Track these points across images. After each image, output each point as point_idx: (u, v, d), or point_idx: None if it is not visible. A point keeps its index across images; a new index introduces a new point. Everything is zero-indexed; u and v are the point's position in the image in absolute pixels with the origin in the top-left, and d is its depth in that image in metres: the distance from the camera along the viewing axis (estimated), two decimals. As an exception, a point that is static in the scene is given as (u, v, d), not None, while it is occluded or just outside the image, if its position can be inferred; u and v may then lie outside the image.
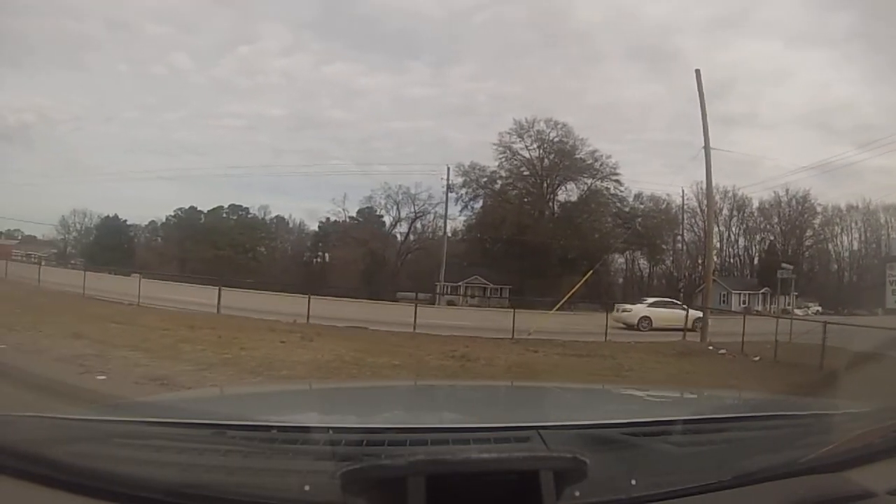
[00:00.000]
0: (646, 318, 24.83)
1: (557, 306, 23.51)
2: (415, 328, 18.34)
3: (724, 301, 43.71)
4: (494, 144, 51.65)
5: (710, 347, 17.94)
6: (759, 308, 44.96)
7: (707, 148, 22.59)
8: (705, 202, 50.48)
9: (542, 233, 47.60)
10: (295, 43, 79.00)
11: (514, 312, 20.12)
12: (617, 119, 76.25)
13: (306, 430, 1.61)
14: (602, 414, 2.20)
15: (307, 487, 1.26)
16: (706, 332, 20.53)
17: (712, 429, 1.77)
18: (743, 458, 1.51)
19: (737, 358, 15.81)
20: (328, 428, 1.58)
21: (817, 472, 1.45)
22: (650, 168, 77.30)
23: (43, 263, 39.62)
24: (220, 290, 21.28)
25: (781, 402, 2.97)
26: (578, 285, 26.21)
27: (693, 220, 53.04)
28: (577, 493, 1.26)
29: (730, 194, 52.21)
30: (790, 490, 1.39)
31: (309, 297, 19.95)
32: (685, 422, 1.79)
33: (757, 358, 15.06)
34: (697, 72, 23.01)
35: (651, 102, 71.74)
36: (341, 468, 1.23)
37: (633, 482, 1.33)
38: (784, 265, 45.12)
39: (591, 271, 27.80)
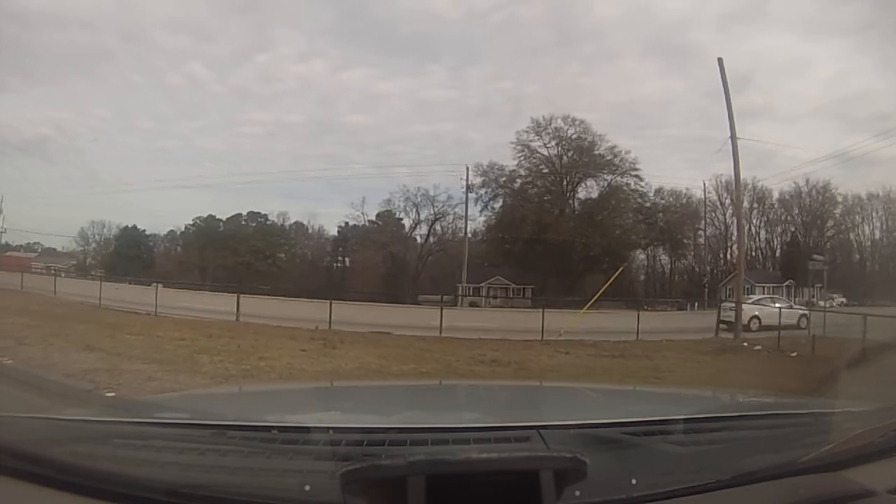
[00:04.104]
0: (755, 317, 23.80)
1: (588, 306, 23.24)
2: (441, 332, 17.98)
3: (748, 295, 42.34)
4: (512, 143, 51.05)
5: (745, 344, 17.51)
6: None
7: (733, 137, 22.37)
8: (725, 196, 50.39)
9: (563, 231, 46.90)
10: (312, 49, 78.72)
11: (544, 313, 19.72)
12: (635, 115, 75.36)
13: (306, 430, 1.61)
14: (602, 414, 2.12)
15: (307, 487, 1.27)
16: (739, 328, 20.17)
17: (712, 428, 1.76)
18: (743, 457, 1.50)
19: (773, 354, 15.42)
20: (328, 428, 1.58)
21: (817, 472, 1.45)
22: (668, 164, 76.49)
23: (62, 275, 39.89)
24: (238, 297, 21.01)
25: (781, 402, 2.90)
26: (608, 283, 25.72)
27: (713, 215, 52.74)
28: (578, 493, 1.26)
29: (750, 186, 50.68)
30: (790, 489, 1.39)
31: (330, 303, 19.74)
32: (685, 421, 1.77)
33: (794, 354, 14.67)
34: (720, 60, 22.78)
35: (668, 98, 71.60)
36: (341, 468, 1.23)
37: (633, 482, 1.32)
38: (816, 256, 44.21)
39: (620, 269, 27.17)
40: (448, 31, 72.66)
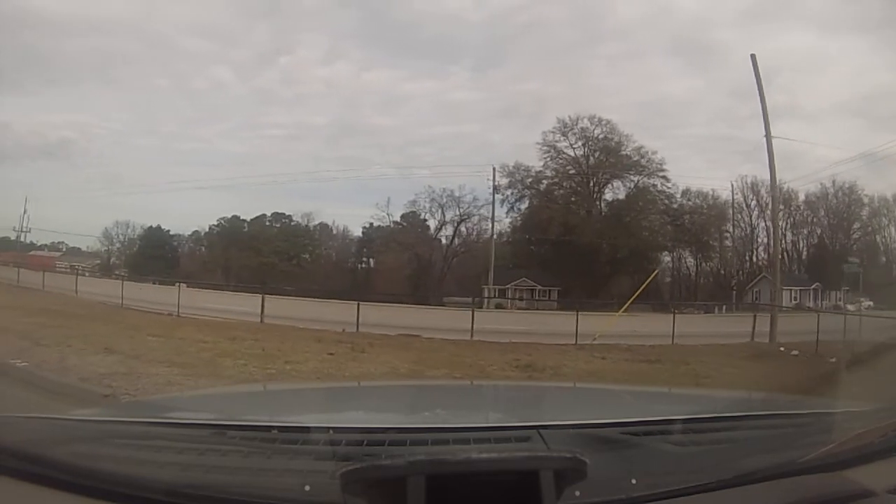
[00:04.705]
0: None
1: (623, 308, 22.82)
2: (472, 335, 17.63)
3: (773, 298, 41.50)
4: (538, 144, 50.57)
5: (782, 349, 17.14)
6: (811, 304, 42.99)
7: (768, 136, 22.10)
8: (751, 197, 49.97)
9: (589, 232, 46.38)
10: (335, 52, 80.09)
11: (578, 316, 19.21)
12: (657, 116, 73.82)
13: (306, 430, 1.60)
14: (602, 413, 2.05)
15: (307, 487, 1.27)
16: (775, 332, 19.84)
17: (712, 428, 1.74)
18: (743, 457, 1.51)
19: (812, 359, 15.06)
20: (328, 428, 1.57)
21: (817, 472, 1.45)
22: (690, 164, 75.91)
23: (86, 274, 40.06)
24: (263, 298, 20.59)
25: (781, 402, 2.90)
26: (644, 286, 25.22)
27: (739, 216, 51.99)
28: (578, 493, 1.26)
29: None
30: (790, 490, 1.39)
31: (358, 305, 19.37)
32: (685, 421, 1.76)
33: (833, 359, 13.99)
34: (753, 57, 22.52)
35: (691, 98, 69.66)
36: (341, 468, 1.23)
37: (633, 482, 1.33)
38: (850, 259, 43.34)
39: (655, 272, 26.43)
40: (470, 33, 72.64)
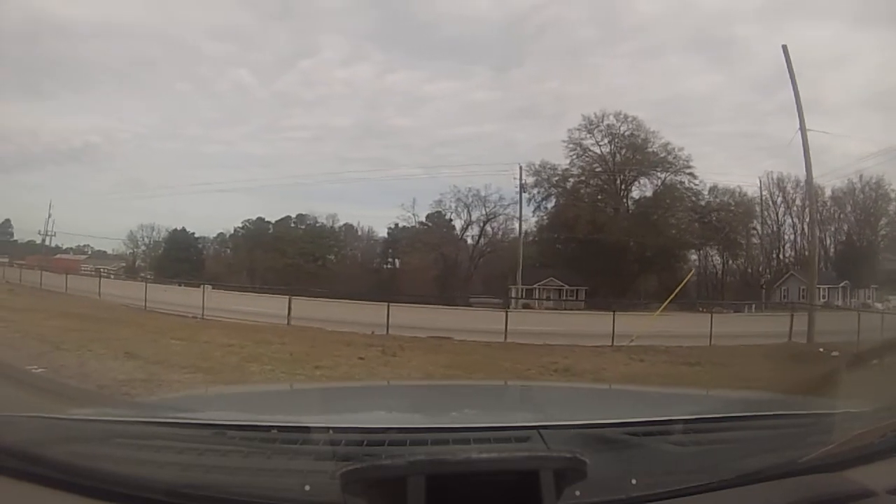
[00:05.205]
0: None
1: (661, 308, 22.32)
2: (506, 337, 17.09)
3: (803, 296, 40.60)
4: (564, 142, 50.16)
5: (821, 350, 16.30)
6: (839, 303, 42.27)
7: (803, 130, 21.67)
8: (777, 193, 49.58)
9: (617, 231, 46.00)
10: (357, 54, 79.98)
11: (614, 317, 18.66)
12: (679, 113, 74.10)
13: (306, 430, 1.59)
14: (602, 414, 2.05)
15: (307, 487, 1.27)
16: (813, 332, 19.31)
17: (712, 429, 1.74)
18: (743, 457, 1.51)
19: (854, 362, 14.05)
20: (328, 428, 1.58)
21: (817, 472, 1.45)
22: (714, 162, 76.11)
23: (111, 276, 40.22)
24: (290, 300, 20.06)
25: (781, 402, 2.78)
26: (682, 285, 24.61)
27: (765, 213, 51.33)
28: (578, 493, 1.27)
29: (801, 184, 48.10)
30: (790, 490, 1.39)
31: (388, 306, 18.79)
32: (685, 422, 1.75)
33: (875, 361, 13.09)
34: (784, 48, 22.16)
35: (712, 94, 68.48)
36: (341, 468, 1.24)
37: (633, 482, 1.33)
38: (891, 257, 41.99)
39: (691, 272, 25.81)
40: (491, 33, 72.65)
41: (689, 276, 23.69)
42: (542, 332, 17.42)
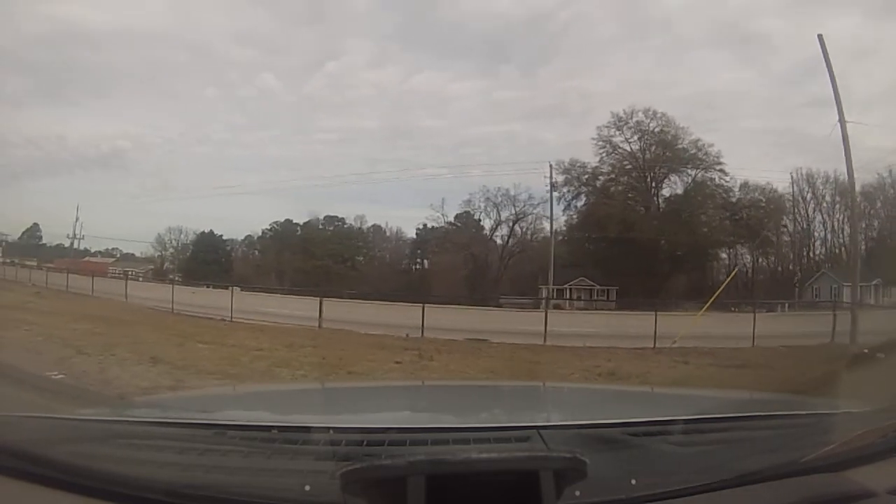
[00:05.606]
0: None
1: (704, 308, 21.95)
2: (545, 339, 16.56)
3: (835, 295, 39.42)
4: (593, 139, 49.53)
5: (866, 351, 15.22)
6: (871, 301, 40.05)
7: (842, 122, 20.95)
8: (807, 189, 48.65)
9: (647, 229, 45.34)
10: (382, 55, 78.34)
11: (656, 317, 18.04)
12: (706, 108, 71.37)
13: (306, 430, 1.59)
14: (602, 414, 2.07)
15: (307, 487, 1.27)
16: (856, 333, 18.43)
17: (712, 429, 1.74)
18: (743, 458, 1.50)
19: None
20: (328, 428, 1.58)
21: (817, 472, 1.45)
22: (741, 158, 74.66)
23: (140, 279, 40.35)
24: (321, 301, 19.81)
25: (781, 402, 2.79)
26: (724, 284, 23.96)
27: (795, 210, 50.29)
28: (578, 493, 1.26)
29: (831, 179, 48.12)
30: (790, 490, 1.38)
31: (423, 308, 18.29)
32: (685, 422, 1.75)
33: None
34: (820, 37, 21.42)
35: (739, 89, 67.58)
36: (341, 468, 1.23)
37: (633, 482, 1.33)
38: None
39: (734, 271, 25.05)
40: (516, 31, 72.22)
41: (732, 275, 22.97)
42: (578, 333, 17.02)
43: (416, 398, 2.89)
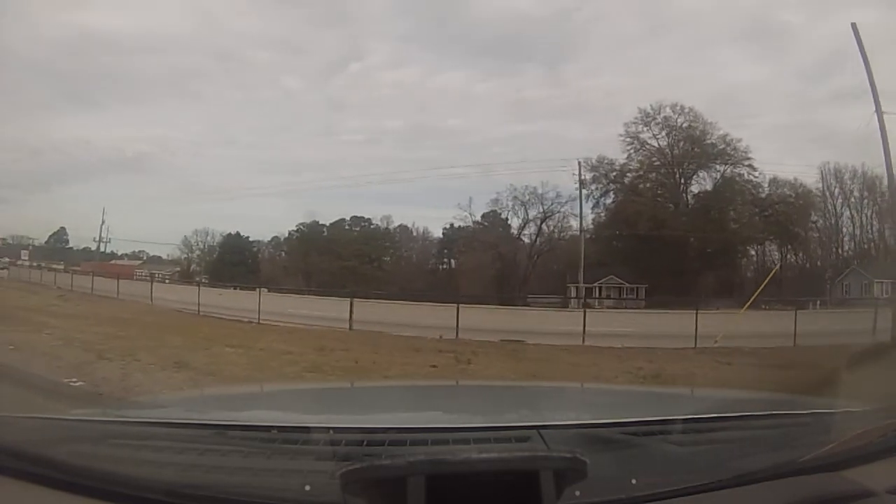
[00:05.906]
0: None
1: (746, 306, 21.58)
2: (584, 340, 16.36)
3: (865, 291, 39.99)
4: (621, 136, 49.11)
5: None
6: None
7: (879, 114, 20.85)
8: (835, 184, 47.85)
9: (677, 226, 44.97)
10: (405, 56, 79.23)
11: (697, 315, 17.78)
12: (731, 104, 72.50)
13: (306, 430, 1.59)
14: (602, 413, 2.05)
15: (307, 487, 1.27)
16: None
17: (712, 428, 1.73)
18: (743, 457, 1.50)
19: None
20: (328, 428, 1.57)
21: (817, 472, 1.44)
22: (768, 153, 72.63)
23: (167, 281, 40.39)
24: (351, 302, 19.49)
25: (781, 402, 2.73)
26: (766, 281, 23.04)
27: (823, 206, 49.31)
28: (578, 493, 1.26)
29: (859, 174, 47.12)
30: (790, 490, 1.38)
31: (458, 308, 17.93)
32: (685, 421, 1.74)
33: None
34: (854, 25, 21.30)
35: (763, 84, 67.71)
36: (341, 468, 1.23)
37: (633, 482, 1.33)
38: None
39: (775, 268, 24.29)
40: (540, 30, 73.73)
41: (773, 272, 22.25)
42: (615, 333, 16.90)
43: (416, 398, 2.88)
